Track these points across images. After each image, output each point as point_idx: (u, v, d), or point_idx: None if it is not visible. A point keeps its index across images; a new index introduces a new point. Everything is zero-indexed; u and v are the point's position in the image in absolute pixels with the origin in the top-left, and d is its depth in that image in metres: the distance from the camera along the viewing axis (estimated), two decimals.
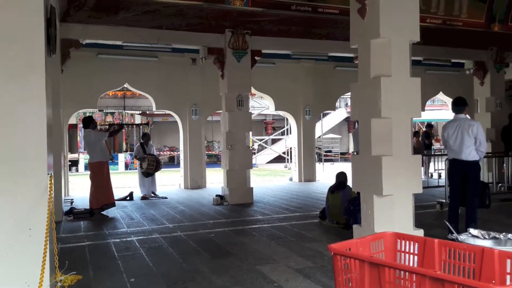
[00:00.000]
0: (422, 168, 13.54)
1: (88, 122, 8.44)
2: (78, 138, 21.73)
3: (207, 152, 22.75)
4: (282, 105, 13.47)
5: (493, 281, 1.43)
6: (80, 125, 19.25)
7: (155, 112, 19.22)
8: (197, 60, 10.81)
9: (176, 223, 7.26)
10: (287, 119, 17.87)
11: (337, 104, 19.86)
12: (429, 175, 13.62)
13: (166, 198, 10.23)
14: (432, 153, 13.37)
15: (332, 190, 7.04)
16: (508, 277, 1.41)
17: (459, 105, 5.70)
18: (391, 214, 4.85)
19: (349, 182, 6.03)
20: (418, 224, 5.16)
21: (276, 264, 4.75)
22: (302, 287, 4.01)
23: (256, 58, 9.69)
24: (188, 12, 8.35)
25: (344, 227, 6.36)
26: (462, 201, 5.65)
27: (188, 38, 9.38)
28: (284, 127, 22.42)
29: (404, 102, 4.97)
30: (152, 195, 10.36)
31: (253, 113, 20.50)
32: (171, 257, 5.16)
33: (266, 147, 24.58)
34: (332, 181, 7.61)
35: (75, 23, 8.16)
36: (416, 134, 14.97)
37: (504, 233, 1.84)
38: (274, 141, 25.90)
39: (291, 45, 10.25)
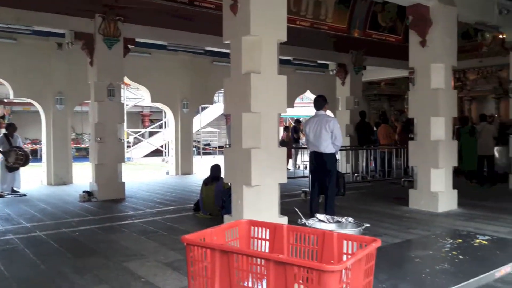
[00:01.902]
0: (291, 160, 14.51)
1: None
2: None
3: (75, 146, 21.26)
4: (159, 97, 13.16)
5: (332, 261, 1.56)
6: None
7: (15, 101, 17.32)
8: (63, 45, 9.99)
9: (35, 222, 6.65)
10: (164, 111, 17.54)
11: (215, 98, 20.04)
12: (297, 166, 14.57)
13: (25, 195, 9.31)
14: (300, 146, 14.29)
15: (206, 182, 7.11)
16: (344, 256, 1.56)
17: (319, 103, 6.17)
18: (259, 203, 5.09)
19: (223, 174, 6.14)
20: (284, 212, 5.49)
21: (145, 259, 4.64)
22: (170, 280, 3.97)
23: (130, 46, 9.30)
24: None
25: (215, 218, 6.47)
26: (322, 189, 6.14)
27: (53, 21, 8.58)
28: (162, 119, 21.96)
29: (272, 98, 5.23)
30: (8, 193, 9.31)
31: (127, 104, 19.88)
32: (28, 259, 4.71)
33: (142, 140, 23.81)
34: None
35: None
36: (286, 128, 15.88)
37: (345, 217, 2.04)
38: (151, 134, 25.19)
39: (167, 36, 10.03)
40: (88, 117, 9.41)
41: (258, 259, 1.31)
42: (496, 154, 11.19)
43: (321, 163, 6.07)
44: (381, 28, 12.45)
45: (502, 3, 8.47)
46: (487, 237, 2.60)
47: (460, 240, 2.53)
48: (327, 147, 5.98)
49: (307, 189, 8.18)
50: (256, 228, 1.69)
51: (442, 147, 7.12)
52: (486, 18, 8.49)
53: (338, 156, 7.66)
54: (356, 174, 11.28)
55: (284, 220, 5.20)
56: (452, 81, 10.45)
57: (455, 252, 2.25)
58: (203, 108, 21.78)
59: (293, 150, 14.08)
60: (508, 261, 2.18)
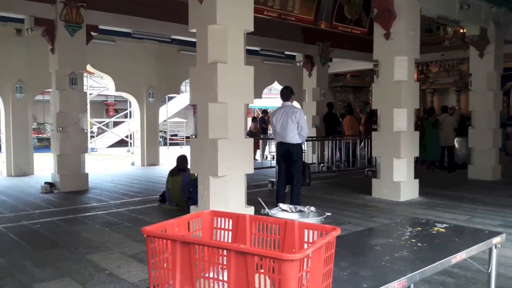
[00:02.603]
0: (259, 150, 14.58)
1: None
2: None
3: (37, 136, 20.57)
4: (124, 86, 12.88)
5: (294, 249, 1.58)
6: None
7: None
8: (22, 31, 9.59)
9: None
10: (130, 101, 17.19)
11: (182, 88, 19.80)
12: (264, 157, 14.64)
13: None
14: (268, 137, 14.36)
15: (173, 173, 7.05)
16: (305, 245, 1.58)
17: (286, 94, 6.20)
18: (226, 193, 5.09)
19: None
20: (251, 202, 5.51)
21: (109, 251, 4.57)
22: (134, 271, 3.93)
23: (93, 33, 9.03)
24: None
25: (181, 209, 6.43)
26: (288, 180, 6.20)
27: (11, 5, 8.24)
28: (127, 109, 21.52)
29: (239, 89, 5.21)
30: None
31: (91, 93, 19.36)
32: None
33: (107, 130, 23.29)
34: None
35: None
36: (254, 119, 15.91)
37: (308, 207, 2.07)
38: (116, 124, 24.67)
39: (132, 23, 9.81)
40: (50, 106, 9.12)
41: (219, 250, 1.31)
42: (456, 145, 11.63)
43: (288, 153, 6.12)
44: (347, 20, 12.59)
45: None
46: (445, 225, 2.70)
47: (419, 228, 2.61)
48: (293, 138, 6.03)
49: (274, 179, 8.24)
50: (219, 219, 1.69)
51: (404, 138, 7.32)
52: (448, 12, 8.72)
53: (304, 147, 7.74)
54: (322, 164, 11.45)
55: (250, 210, 5.22)
56: (415, 74, 10.74)
57: (414, 240, 2.33)
58: (170, 98, 21.48)
59: (260, 141, 14.13)
60: (464, 248, 2.26)
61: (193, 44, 5.33)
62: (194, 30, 5.37)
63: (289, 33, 11.70)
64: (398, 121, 7.31)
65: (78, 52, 8.65)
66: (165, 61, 13.14)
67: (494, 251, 2.56)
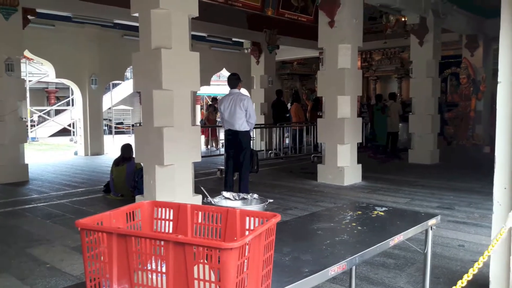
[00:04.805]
0: (203, 137, 14.49)
1: None
2: None
3: None
4: (65, 72, 12.30)
5: (235, 237, 1.58)
6: None
7: None
8: None
9: None
10: (71, 88, 16.46)
11: (128, 74, 19.18)
12: (212, 144, 14.59)
13: None
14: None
15: (117, 162, 6.87)
16: (247, 232, 1.59)
17: (233, 81, 6.17)
18: (172, 183, 5.02)
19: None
20: (199, 190, 5.46)
21: (50, 244, 4.40)
22: (78, 264, 3.81)
23: (30, 17, 8.55)
24: None
25: (126, 199, 6.29)
26: (236, 167, 6.22)
27: None
28: (69, 97, 20.60)
29: (184, 75, 5.12)
30: None
31: (30, 80, 18.34)
32: None
33: (48, 119, 22.21)
34: None
35: None
36: (210, 107, 15.77)
37: (251, 194, 2.08)
38: (58, 112, 23.57)
39: (71, 6, 9.35)
40: None
41: (157, 241, 1.29)
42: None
43: (236, 141, 6.12)
44: (294, 8, 12.64)
45: None
46: (384, 208, 2.81)
47: (359, 212, 2.70)
48: (241, 125, 6.03)
49: (222, 167, 8.23)
50: (159, 209, 1.66)
51: (347, 124, 7.53)
52: (390, 1, 8.98)
53: (252, 134, 7.78)
54: (270, 151, 11.57)
55: (198, 199, 5.19)
56: (359, 62, 11.03)
57: (354, 224, 2.41)
58: (115, 85, 20.79)
59: (217, 129, 14.04)
60: (402, 230, 2.37)
61: (137, 28, 5.16)
62: (136, 14, 5.20)
63: (236, 19, 11.62)
64: (342, 108, 7.50)
65: (14, 36, 8.16)
66: (108, 47, 12.65)
67: (430, 233, 2.70)
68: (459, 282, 1.49)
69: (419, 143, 10.22)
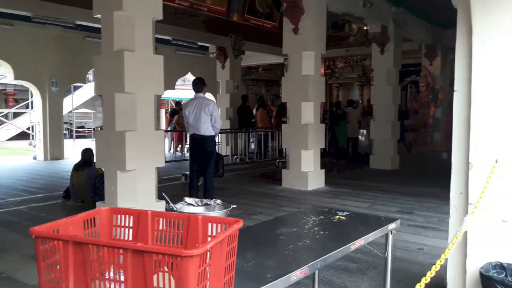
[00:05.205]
0: (175, 142, 14.31)
1: None
2: None
3: None
4: (24, 74, 11.84)
5: (197, 244, 1.57)
6: None
7: None
8: None
9: None
10: (31, 90, 15.90)
11: (90, 76, 18.68)
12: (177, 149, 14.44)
13: None
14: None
15: (77, 167, 6.68)
16: (209, 239, 1.57)
17: (198, 85, 6.13)
18: (135, 189, 4.92)
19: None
20: (163, 196, 5.37)
21: (6, 253, 4.23)
22: (35, 274, 3.64)
23: None
24: None
25: (87, 206, 6.11)
26: (201, 172, 6.17)
27: None
28: (28, 99, 19.86)
29: (147, 79, 5.05)
30: None
31: None
32: None
33: (6, 122, 21.32)
34: None
35: None
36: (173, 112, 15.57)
37: (214, 199, 2.06)
38: (16, 115, 22.68)
39: (31, 6, 9.05)
40: None
41: (115, 249, 1.26)
42: (360, 137, 12.41)
43: (201, 145, 6.07)
44: (259, 14, 12.75)
45: None
46: (345, 213, 2.85)
47: (322, 217, 2.73)
48: (207, 130, 5.99)
49: (187, 172, 8.14)
50: (118, 216, 1.62)
51: (311, 130, 7.63)
52: (352, 9, 9.19)
53: (218, 139, 7.75)
54: (235, 156, 11.55)
55: (161, 205, 5.11)
56: (322, 69, 11.20)
57: (316, 228, 2.43)
58: (76, 87, 20.22)
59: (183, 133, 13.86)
60: (362, 235, 2.41)
61: (100, 30, 5.06)
62: (99, 16, 5.10)
63: (201, 23, 11.57)
64: (306, 114, 7.59)
65: None
66: (70, 48, 12.30)
67: (390, 237, 2.77)
68: (417, 286, 1.53)
69: (380, 149, 10.46)
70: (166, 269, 1.21)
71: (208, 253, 1.30)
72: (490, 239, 2.70)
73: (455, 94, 2.93)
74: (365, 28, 11.40)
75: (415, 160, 11.93)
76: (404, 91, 13.42)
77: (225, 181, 7.94)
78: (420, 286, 1.53)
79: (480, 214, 2.62)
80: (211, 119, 5.94)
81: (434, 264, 1.94)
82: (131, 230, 1.62)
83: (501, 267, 2.59)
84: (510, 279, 2.46)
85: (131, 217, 1.62)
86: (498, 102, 2.69)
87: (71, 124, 20.07)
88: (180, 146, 14.22)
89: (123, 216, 1.63)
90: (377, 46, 10.35)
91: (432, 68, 13.21)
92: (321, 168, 8.01)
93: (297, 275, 1.83)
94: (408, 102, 14.24)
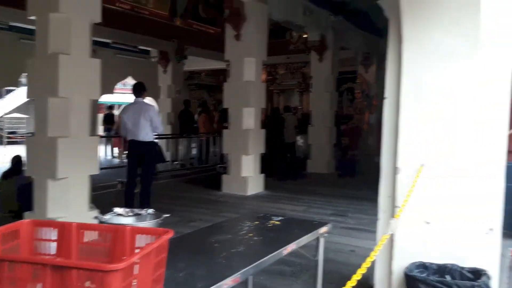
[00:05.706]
0: (117, 148, 13.85)
1: None
2: None
3: None
4: None
5: (124, 257, 1.54)
6: None
7: None
8: None
9: None
10: None
11: (23, 80, 17.66)
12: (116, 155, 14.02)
13: None
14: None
15: (6, 175, 6.32)
16: (137, 250, 1.55)
17: (138, 90, 6.01)
18: (66, 197, 4.74)
19: None
20: (98, 204, 5.19)
21: None
22: None
23: None
24: None
25: (15, 216, 5.77)
26: (139, 179, 6.02)
27: None
28: None
29: (83, 83, 4.91)
30: None
31: None
32: None
33: None
34: None
35: None
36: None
37: (145, 209, 2.04)
38: None
39: None
40: None
41: (34, 265, 1.21)
42: (299, 142, 12.68)
43: (140, 152, 5.94)
44: (202, 19, 12.70)
45: (306, 4, 9.47)
46: (280, 218, 2.92)
47: (257, 222, 2.78)
48: (146, 135, 5.86)
49: (124, 179, 7.93)
50: (41, 229, 1.56)
51: (252, 135, 7.72)
52: (293, 18, 9.40)
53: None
54: (175, 162, 11.39)
55: (94, 215, 4.93)
56: (264, 75, 11.35)
57: (251, 234, 2.47)
58: (8, 91, 19.10)
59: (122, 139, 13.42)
60: (294, 239, 2.48)
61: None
62: (33, 17, 4.88)
63: (143, 27, 11.33)
64: (247, 119, 7.67)
65: None
66: (3, 50, 11.56)
67: (321, 240, 2.87)
68: (348, 283, 1.57)
69: (317, 153, 10.75)
70: (88, 284, 1.18)
71: (136, 266, 1.29)
72: (414, 240, 2.85)
73: (385, 101, 3.09)
74: (305, 36, 11.68)
75: (350, 164, 12.34)
76: (340, 97, 13.87)
77: (164, 188, 7.82)
78: (351, 283, 1.57)
79: (406, 216, 2.75)
80: (151, 124, 5.83)
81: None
82: (55, 244, 1.57)
83: (423, 266, 2.75)
84: (431, 278, 2.62)
85: (56, 230, 1.57)
86: (424, 109, 2.83)
87: (1, 129, 18.90)
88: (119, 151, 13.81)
89: (46, 229, 1.57)
90: (316, 54, 10.65)
91: (368, 76, 13.76)
92: (261, 172, 8.11)
93: (228, 283, 1.84)
94: (344, 108, 14.74)
